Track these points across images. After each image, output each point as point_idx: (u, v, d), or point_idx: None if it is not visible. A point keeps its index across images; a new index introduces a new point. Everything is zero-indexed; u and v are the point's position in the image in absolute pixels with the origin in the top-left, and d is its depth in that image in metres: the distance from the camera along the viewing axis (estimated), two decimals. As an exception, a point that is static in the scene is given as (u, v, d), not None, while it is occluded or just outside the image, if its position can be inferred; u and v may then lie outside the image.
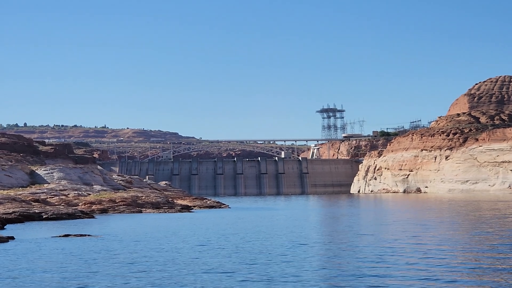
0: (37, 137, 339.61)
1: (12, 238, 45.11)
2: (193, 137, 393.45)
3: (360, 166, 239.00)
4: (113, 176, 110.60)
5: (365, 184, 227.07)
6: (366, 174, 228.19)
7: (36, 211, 69.53)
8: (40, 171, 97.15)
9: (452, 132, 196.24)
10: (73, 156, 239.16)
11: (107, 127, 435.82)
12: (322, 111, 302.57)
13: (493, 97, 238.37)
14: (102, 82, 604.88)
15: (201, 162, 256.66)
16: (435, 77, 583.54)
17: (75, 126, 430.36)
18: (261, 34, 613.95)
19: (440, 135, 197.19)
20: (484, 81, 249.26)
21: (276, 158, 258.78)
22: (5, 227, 57.17)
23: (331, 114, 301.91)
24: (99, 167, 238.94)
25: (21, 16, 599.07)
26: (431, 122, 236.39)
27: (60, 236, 46.85)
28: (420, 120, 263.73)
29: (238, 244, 41.12)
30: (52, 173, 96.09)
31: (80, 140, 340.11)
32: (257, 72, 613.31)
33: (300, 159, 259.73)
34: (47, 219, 68.47)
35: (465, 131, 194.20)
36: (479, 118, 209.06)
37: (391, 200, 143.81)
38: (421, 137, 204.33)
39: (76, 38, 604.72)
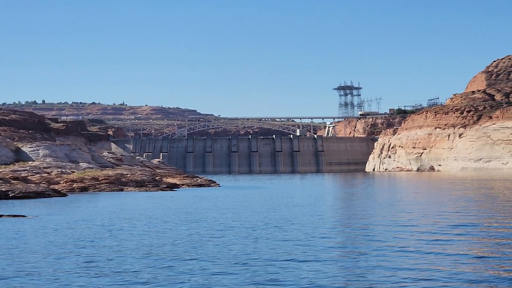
0: (55, 114, 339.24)
1: None
2: (211, 115, 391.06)
3: (375, 144, 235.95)
4: (103, 154, 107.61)
5: (380, 162, 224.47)
6: (381, 153, 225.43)
7: (3, 189, 66.54)
8: (26, 148, 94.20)
9: (466, 109, 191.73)
10: (86, 134, 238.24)
11: (126, 104, 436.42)
12: (339, 88, 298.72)
13: (511, 75, 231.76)
14: (121, 59, 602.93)
15: (215, 139, 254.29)
16: (454, 54, 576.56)
17: (93, 103, 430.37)
18: (278, 10, 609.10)
19: (454, 113, 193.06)
20: (502, 58, 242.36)
21: (291, 136, 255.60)
22: (-46, 206, 54.14)
23: (348, 91, 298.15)
24: (113, 145, 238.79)
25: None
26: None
27: (-9, 217, 43.69)
28: (438, 98, 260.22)
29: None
30: (37, 150, 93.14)
31: (98, 117, 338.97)
32: (275, 50, 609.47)
33: (316, 137, 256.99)
34: (14, 197, 65.45)
35: (479, 109, 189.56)
36: (494, 95, 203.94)
37: (405, 179, 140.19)
38: (435, 115, 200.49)
39: (94, 16, 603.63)
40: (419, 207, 52.11)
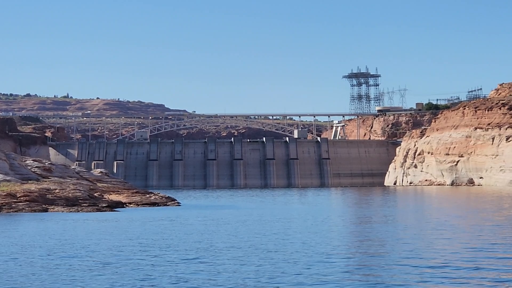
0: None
1: None
2: (184, 111, 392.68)
3: (398, 149, 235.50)
4: (27, 162, 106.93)
5: (403, 173, 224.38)
6: (405, 161, 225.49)
7: None
8: None
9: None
10: (15, 135, 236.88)
11: (71, 97, 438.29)
12: (351, 76, 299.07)
13: None
14: (65, 39, 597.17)
15: (187, 143, 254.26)
16: (502, 33, 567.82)
17: (28, 95, 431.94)
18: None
19: (500, 109, 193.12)
20: None
21: (287, 138, 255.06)
22: None
23: (362, 80, 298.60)
24: (52, 150, 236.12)
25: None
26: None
27: None
28: (480, 89, 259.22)
29: None
30: None
31: (34, 114, 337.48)
32: (267, 28, 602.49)
33: (319, 140, 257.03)
34: None
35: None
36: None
37: (435, 196, 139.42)
38: (475, 111, 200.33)
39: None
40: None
